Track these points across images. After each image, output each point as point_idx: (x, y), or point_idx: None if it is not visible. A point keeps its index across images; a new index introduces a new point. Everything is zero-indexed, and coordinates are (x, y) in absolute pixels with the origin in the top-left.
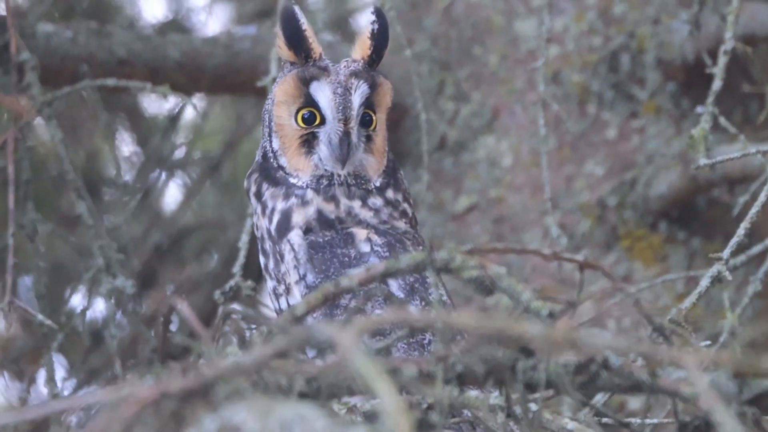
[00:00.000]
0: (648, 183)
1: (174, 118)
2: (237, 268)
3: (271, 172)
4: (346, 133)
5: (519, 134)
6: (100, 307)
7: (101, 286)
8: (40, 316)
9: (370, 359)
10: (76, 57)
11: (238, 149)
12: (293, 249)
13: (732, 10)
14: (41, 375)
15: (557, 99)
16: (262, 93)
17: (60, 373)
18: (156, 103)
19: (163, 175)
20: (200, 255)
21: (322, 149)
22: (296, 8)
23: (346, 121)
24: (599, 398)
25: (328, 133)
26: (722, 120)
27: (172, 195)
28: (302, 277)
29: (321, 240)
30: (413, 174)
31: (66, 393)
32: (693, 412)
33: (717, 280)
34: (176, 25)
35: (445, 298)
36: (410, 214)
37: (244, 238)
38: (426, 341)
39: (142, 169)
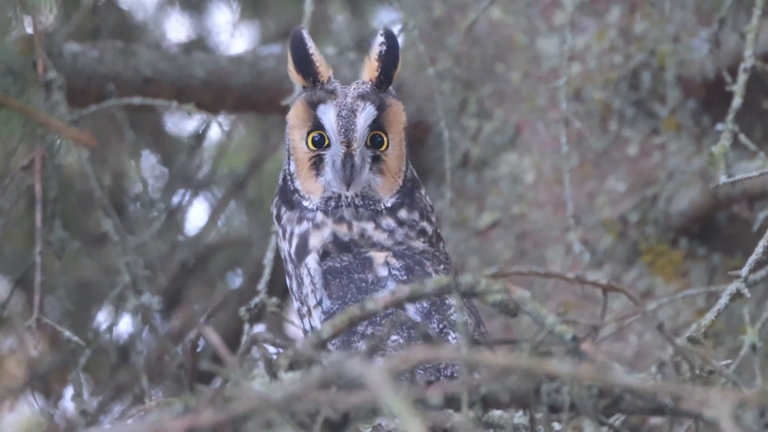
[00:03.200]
0: (669, 199)
1: (199, 137)
2: (262, 286)
3: (288, 196)
4: (349, 155)
5: (541, 151)
6: (126, 324)
7: (128, 303)
8: (67, 333)
9: (401, 397)
10: (102, 76)
11: (262, 167)
12: (310, 274)
13: (751, 28)
14: (68, 392)
15: (579, 116)
16: (287, 112)
17: (85, 390)
18: (181, 122)
19: (188, 194)
20: (226, 273)
21: (328, 171)
22: (304, 33)
23: (348, 143)
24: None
25: (332, 156)
26: (742, 137)
27: (197, 213)
28: (319, 302)
29: (338, 265)
30: (436, 191)
31: (92, 409)
32: None
33: (737, 296)
34: (201, 45)
35: (468, 319)
36: (430, 233)
37: (269, 256)
38: (442, 365)
39: (167, 188)
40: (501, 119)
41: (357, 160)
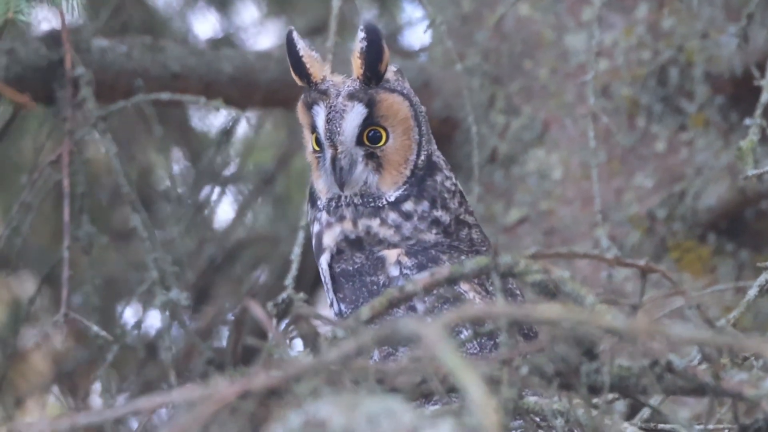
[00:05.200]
0: (697, 195)
1: (227, 133)
2: (289, 281)
3: (312, 195)
4: (335, 159)
5: (569, 147)
6: (153, 320)
7: (156, 299)
8: (95, 328)
9: (457, 353)
10: (130, 72)
11: (290, 164)
12: (323, 273)
13: None
14: (95, 388)
15: (607, 112)
16: None
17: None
18: (208, 118)
19: (216, 190)
20: (253, 269)
21: (322, 173)
22: (294, 34)
23: (334, 146)
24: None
25: (324, 158)
26: None
27: (224, 209)
28: (330, 303)
29: (351, 268)
30: (465, 187)
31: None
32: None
33: (766, 291)
34: (227, 42)
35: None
36: (446, 221)
37: (296, 251)
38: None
39: (195, 184)
40: (529, 115)
41: (343, 162)
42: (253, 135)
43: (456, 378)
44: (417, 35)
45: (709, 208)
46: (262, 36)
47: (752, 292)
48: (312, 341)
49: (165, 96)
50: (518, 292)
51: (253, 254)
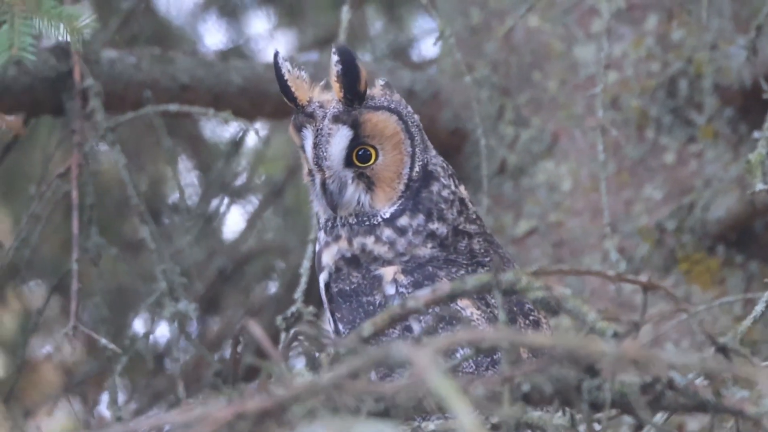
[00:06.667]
0: (706, 207)
1: (236, 144)
2: (298, 294)
3: (317, 214)
4: (324, 183)
5: (578, 159)
6: (164, 331)
7: (164, 310)
8: (103, 340)
9: (447, 378)
10: (139, 83)
11: (300, 175)
12: (321, 292)
13: None
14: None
15: (616, 124)
16: None
17: (122, 396)
18: (218, 129)
19: (226, 201)
20: (262, 280)
21: (314, 197)
22: (279, 57)
23: (322, 170)
24: (659, 417)
25: (315, 182)
26: None
27: (234, 220)
28: (328, 321)
29: (348, 288)
30: (474, 198)
31: (128, 416)
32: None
33: None
34: (238, 52)
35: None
36: (443, 233)
37: (306, 264)
38: (491, 361)
39: (204, 195)
40: (538, 127)
41: (332, 187)
42: (262, 146)
43: (446, 403)
44: (427, 47)
45: (719, 219)
46: (272, 47)
47: (759, 308)
48: (312, 360)
49: (173, 108)
50: (530, 306)
51: (262, 265)
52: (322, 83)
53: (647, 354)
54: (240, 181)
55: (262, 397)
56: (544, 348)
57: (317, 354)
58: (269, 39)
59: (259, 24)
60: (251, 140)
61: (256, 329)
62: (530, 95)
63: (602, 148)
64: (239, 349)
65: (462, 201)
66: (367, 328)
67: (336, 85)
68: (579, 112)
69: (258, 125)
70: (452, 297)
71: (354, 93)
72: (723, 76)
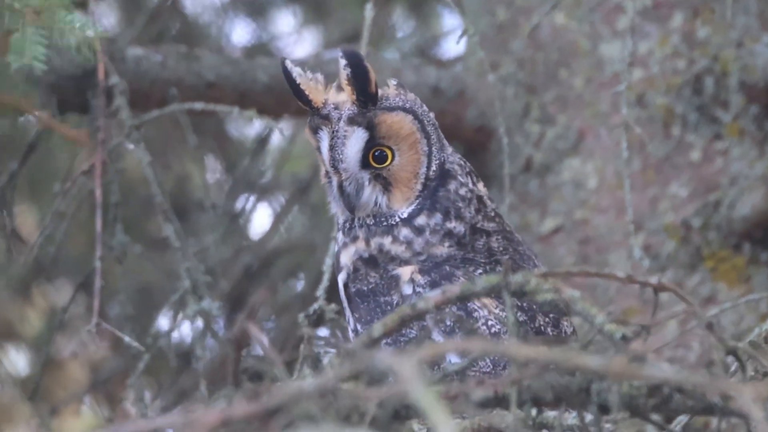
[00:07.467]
0: (731, 205)
1: (262, 142)
2: (321, 292)
3: (336, 215)
4: (341, 185)
5: (604, 156)
6: (188, 329)
7: (188, 308)
8: (126, 338)
9: (430, 389)
10: (165, 81)
11: None
12: (341, 292)
13: None
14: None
15: (642, 121)
16: None
17: (148, 395)
18: (244, 127)
19: (252, 199)
20: (288, 278)
21: (332, 199)
22: (288, 63)
23: (339, 172)
24: (681, 419)
25: (332, 184)
26: None
27: (260, 218)
28: (348, 320)
29: (366, 288)
30: (498, 196)
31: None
32: None
33: None
34: (264, 50)
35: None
36: (461, 232)
37: (328, 262)
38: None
39: (230, 192)
40: (564, 125)
41: (350, 189)
42: (288, 144)
43: (427, 415)
44: (453, 45)
45: (744, 217)
46: (298, 44)
47: None
48: (315, 362)
49: (199, 106)
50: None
51: (288, 263)
52: (335, 84)
53: (632, 369)
54: (266, 179)
55: (252, 402)
56: (528, 360)
57: (324, 357)
58: (295, 37)
59: (285, 22)
60: (277, 138)
61: (258, 333)
62: (556, 93)
63: (625, 145)
64: (241, 351)
65: (480, 199)
66: (377, 328)
67: (348, 89)
68: (605, 109)
69: (283, 123)
70: (462, 298)
71: (366, 95)
72: (749, 74)
